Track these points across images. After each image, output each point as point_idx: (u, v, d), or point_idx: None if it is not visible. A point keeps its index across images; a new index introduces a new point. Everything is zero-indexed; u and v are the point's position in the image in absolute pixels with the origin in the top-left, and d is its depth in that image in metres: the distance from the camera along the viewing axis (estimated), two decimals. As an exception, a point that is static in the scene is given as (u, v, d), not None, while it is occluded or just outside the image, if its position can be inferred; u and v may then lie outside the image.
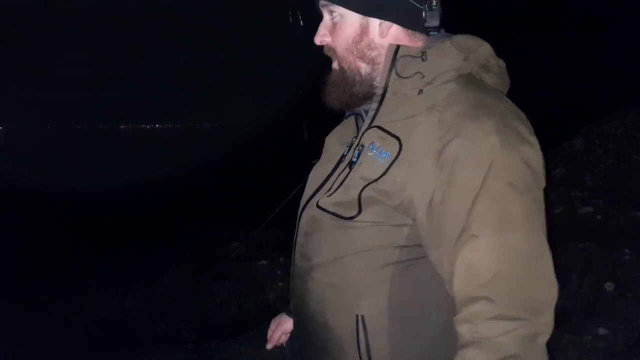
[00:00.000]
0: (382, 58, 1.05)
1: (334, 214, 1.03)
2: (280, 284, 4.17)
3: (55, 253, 5.72)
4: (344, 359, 1.04)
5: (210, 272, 4.56)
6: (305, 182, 1.23)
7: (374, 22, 1.06)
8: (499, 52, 1.09)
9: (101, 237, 6.83)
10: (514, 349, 0.83)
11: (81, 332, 3.82)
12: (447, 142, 0.91)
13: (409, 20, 1.06)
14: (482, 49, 1.06)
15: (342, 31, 1.08)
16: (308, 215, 1.12)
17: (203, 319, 3.94)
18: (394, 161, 0.96)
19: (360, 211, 0.99)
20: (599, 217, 3.80)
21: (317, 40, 1.12)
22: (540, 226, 0.89)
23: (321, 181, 1.13)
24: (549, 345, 0.86)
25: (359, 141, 1.06)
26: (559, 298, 0.86)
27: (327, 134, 1.30)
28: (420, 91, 1.00)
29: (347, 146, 1.13)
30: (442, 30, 1.08)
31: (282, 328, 1.41)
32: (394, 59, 1.03)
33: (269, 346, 1.41)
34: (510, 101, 1.02)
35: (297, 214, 1.18)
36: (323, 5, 1.10)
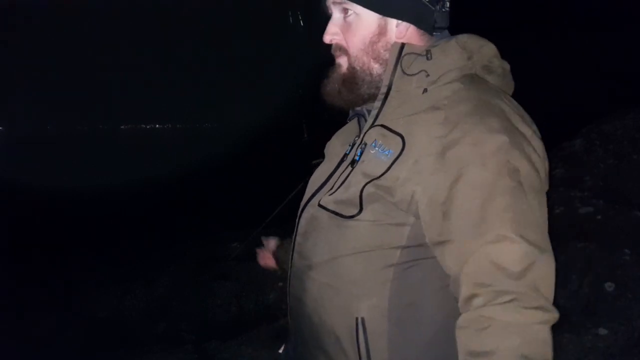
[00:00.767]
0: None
1: (333, 212, 1.03)
2: (280, 284, 4.17)
3: (56, 253, 5.72)
4: (342, 359, 1.03)
5: (210, 272, 4.56)
6: (306, 182, 1.22)
7: (392, 23, 1.05)
8: (500, 52, 1.09)
9: (101, 237, 6.83)
10: (544, 335, 0.85)
11: (81, 332, 3.82)
12: (452, 140, 0.91)
13: (421, 21, 1.06)
14: (486, 49, 1.05)
15: (358, 31, 1.06)
16: (308, 215, 1.11)
17: (203, 319, 3.94)
18: (397, 158, 0.96)
19: (361, 209, 0.98)
20: (599, 217, 3.80)
21: (327, 38, 1.09)
22: (546, 225, 0.92)
23: (322, 180, 1.12)
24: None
25: (362, 140, 1.06)
26: (559, 298, 0.87)
27: (327, 134, 1.29)
28: (425, 90, 1.00)
29: (350, 145, 1.12)
30: (446, 30, 1.08)
31: (269, 248, 1.48)
32: (399, 57, 1.03)
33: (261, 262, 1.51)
34: (514, 101, 1.02)
35: (297, 214, 1.17)
36: (335, 3, 1.07)
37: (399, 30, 1.05)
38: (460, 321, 0.90)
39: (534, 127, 0.98)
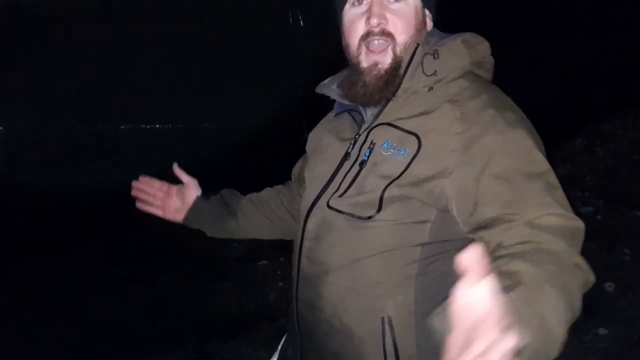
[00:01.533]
0: None
1: (350, 214, 1.00)
2: (280, 284, 4.17)
3: (56, 253, 5.72)
4: None
5: (210, 272, 4.56)
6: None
7: (426, 13, 1.08)
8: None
9: (101, 237, 6.82)
10: (579, 281, 0.82)
11: (81, 332, 3.81)
12: (474, 134, 0.93)
13: (433, 14, 1.09)
14: (482, 47, 1.08)
15: (407, 17, 1.03)
16: (318, 218, 1.07)
17: (203, 319, 3.93)
18: (414, 157, 0.96)
19: (379, 210, 0.97)
20: (599, 217, 3.80)
21: (375, 22, 1.01)
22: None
23: (325, 180, 1.09)
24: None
25: (366, 138, 1.04)
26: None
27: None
28: (431, 88, 1.01)
29: (351, 143, 1.09)
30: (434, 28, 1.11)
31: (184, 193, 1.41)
32: (413, 55, 1.03)
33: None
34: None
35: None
36: None
37: (429, 22, 1.08)
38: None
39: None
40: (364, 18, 1.03)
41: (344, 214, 1.01)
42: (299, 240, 1.11)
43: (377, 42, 1.03)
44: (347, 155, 1.08)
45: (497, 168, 0.89)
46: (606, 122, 5.22)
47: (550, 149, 0.98)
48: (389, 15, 1.02)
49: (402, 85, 1.02)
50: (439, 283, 0.98)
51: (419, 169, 0.95)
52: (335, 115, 1.21)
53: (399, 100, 1.03)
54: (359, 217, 0.99)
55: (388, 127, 1.02)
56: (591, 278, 0.83)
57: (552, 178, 0.90)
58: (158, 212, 1.45)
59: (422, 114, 0.99)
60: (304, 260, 1.09)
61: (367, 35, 1.03)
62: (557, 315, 0.70)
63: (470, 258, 0.49)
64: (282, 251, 4.56)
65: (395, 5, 1.02)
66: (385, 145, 1.00)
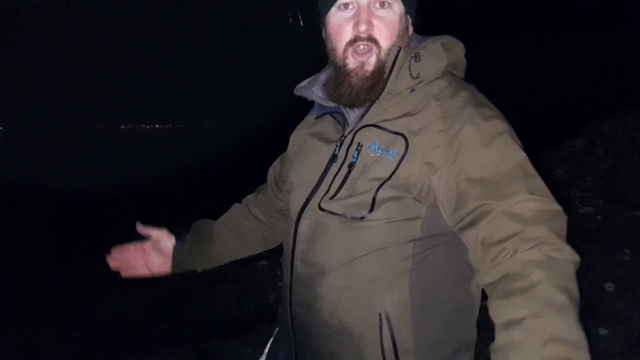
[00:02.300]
0: None
1: (342, 215, 1.02)
2: (280, 284, 4.16)
3: (56, 253, 5.72)
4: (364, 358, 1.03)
5: (210, 272, 4.55)
6: None
7: (409, 19, 1.11)
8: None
9: (101, 237, 6.83)
10: (571, 271, 0.86)
11: (81, 332, 3.82)
12: (456, 131, 0.97)
13: (413, 19, 1.13)
14: (458, 49, 1.12)
15: (392, 24, 1.06)
16: (311, 220, 1.07)
17: (203, 320, 3.94)
18: (403, 157, 0.99)
19: (372, 210, 1.00)
20: (599, 217, 3.80)
21: (363, 28, 1.04)
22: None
23: (314, 183, 1.09)
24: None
25: (352, 140, 1.06)
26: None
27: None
28: (412, 90, 1.05)
29: (337, 145, 1.09)
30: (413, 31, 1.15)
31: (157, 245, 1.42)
32: (395, 59, 1.05)
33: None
34: None
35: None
36: None
37: (410, 26, 1.11)
38: (490, 276, 0.87)
39: None
40: (351, 23, 1.05)
41: (338, 216, 1.03)
42: (290, 244, 1.11)
43: (362, 46, 1.05)
44: (334, 157, 1.09)
45: (477, 161, 0.94)
46: (606, 122, 5.22)
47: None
48: (375, 22, 1.05)
49: (387, 88, 1.05)
50: (432, 276, 1.02)
51: (408, 169, 0.98)
52: (316, 118, 1.22)
53: (382, 102, 1.05)
54: (353, 218, 1.01)
55: (374, 128, 1.04)
56: (577, 259, 0.86)
57: (529, 166, 0.94)
58: (145, 273, 1.47)
59: (406, 114, 1.03)
60: (297, 263, 1.09)
61: (354, 41, 1.06)
62: (569, 328, 0.85)
63: None
64: (282, 251, 4.57)
65: (382, 12, 1.05)
66: (373, 147, 1.03)
